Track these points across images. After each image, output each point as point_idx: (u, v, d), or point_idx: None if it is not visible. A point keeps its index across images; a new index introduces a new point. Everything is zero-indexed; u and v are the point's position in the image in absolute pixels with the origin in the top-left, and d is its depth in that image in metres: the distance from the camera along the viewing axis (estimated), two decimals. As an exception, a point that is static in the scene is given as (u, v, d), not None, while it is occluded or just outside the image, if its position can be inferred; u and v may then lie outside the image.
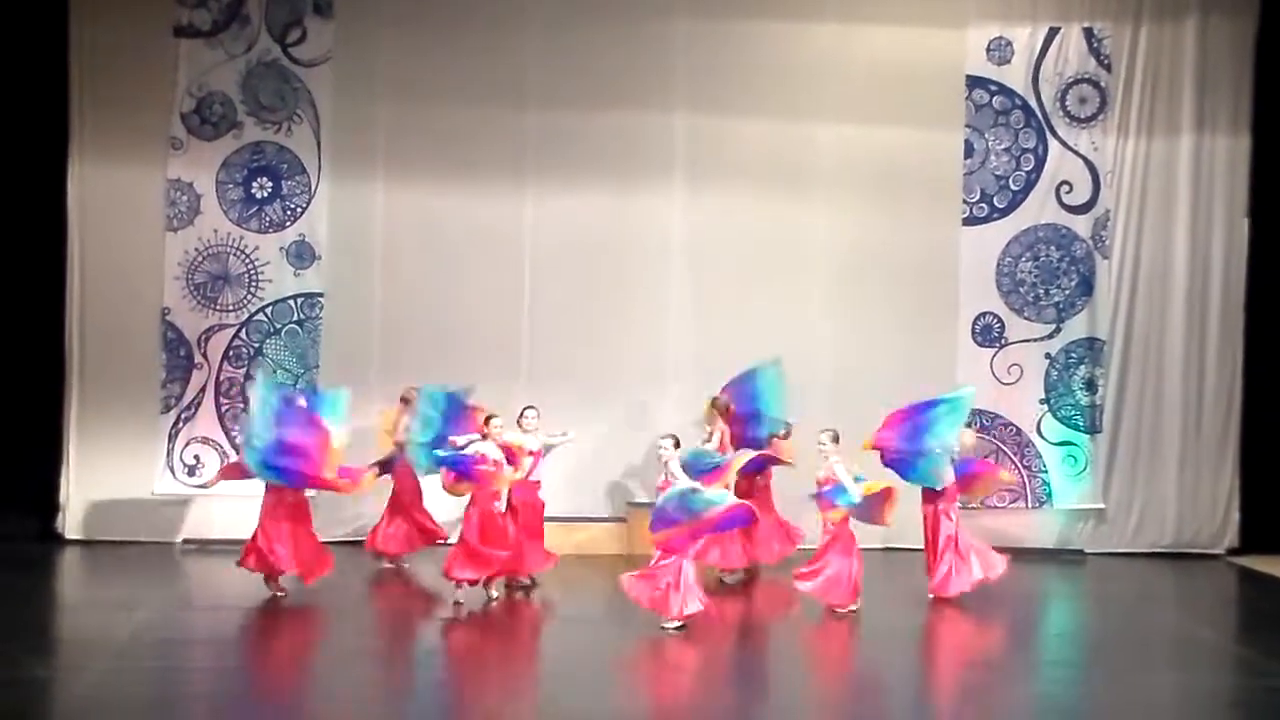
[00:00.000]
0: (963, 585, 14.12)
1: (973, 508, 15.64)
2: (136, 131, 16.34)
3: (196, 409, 16.37)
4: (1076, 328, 17.11)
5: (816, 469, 13.88)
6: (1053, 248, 17.12)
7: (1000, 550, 15.97)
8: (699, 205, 16.85)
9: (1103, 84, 17.10)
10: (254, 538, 13.90)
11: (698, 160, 16.82)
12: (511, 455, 14.10)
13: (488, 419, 14.05)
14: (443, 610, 13.84)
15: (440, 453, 13.91)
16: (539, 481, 14.62)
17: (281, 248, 16.55)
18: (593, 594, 14.97)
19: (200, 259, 16.47)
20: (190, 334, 16.43)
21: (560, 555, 15.91)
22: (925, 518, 14.37)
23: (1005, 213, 17.13)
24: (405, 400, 15.21)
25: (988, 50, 17.09)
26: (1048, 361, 17.11)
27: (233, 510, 16.10)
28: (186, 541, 16.18)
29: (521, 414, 14.53)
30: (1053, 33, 17.10)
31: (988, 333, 17.13)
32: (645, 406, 16.43)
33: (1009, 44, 17.10)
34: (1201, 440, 17.16)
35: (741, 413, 15.47)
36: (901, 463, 14.26)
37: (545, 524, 16.14)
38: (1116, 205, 17.11)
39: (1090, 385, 17.09)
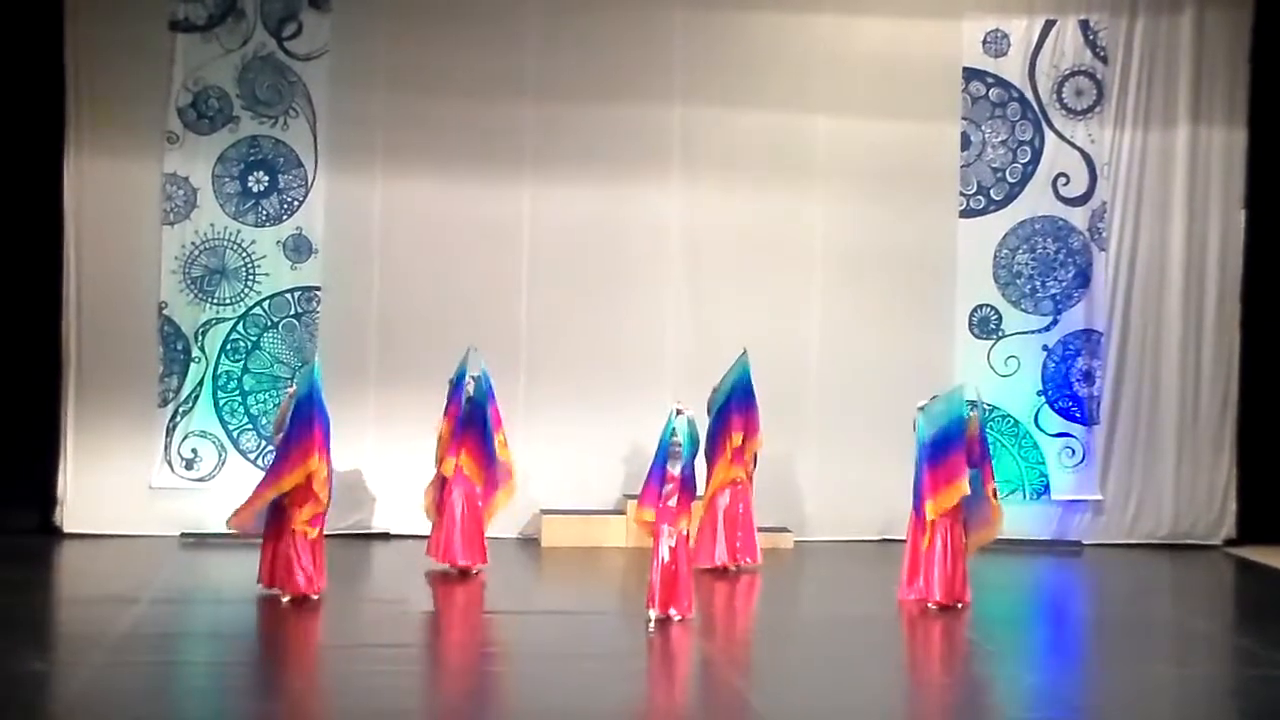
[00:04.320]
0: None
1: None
2: (132, 126, 16.31)
3: (194, 402, 16.36)
4: (1074, 319, 17.12)
5: None
6: (1049, 240, 17.13)
7: (997, 542, 15.99)
8: (697, 197, 16.85)
9: (1099, 76, 17.11)
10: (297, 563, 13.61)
11: (695, 152, 16.81)
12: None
13: None
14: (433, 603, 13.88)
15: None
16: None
17: (278, 241, 16.54)
18: (591, 586, 15.00)
19: (197, 253, 16.45)
20: (187, 328, 16.41)
21: (560, 548, 16.05)
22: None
23: (1002, 205, 17.13)
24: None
25: (984, 43, 17.09)
26: (1045, 353, 17.12)
27: (230, 504, 16.10)
28: (184, 535, 16.16)
29: None
30: (1049, 25, 17.11)
31: (985, 324, 17.14)
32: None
33: (1005, 36, 17.10)
34: (1198, 431, 17.18)
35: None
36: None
37: (543, 515, 16.31)
38: (1113, 197, 17.13)
39: (1087, 377, 17.10)
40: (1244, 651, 13.09)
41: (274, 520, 13.62)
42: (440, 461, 14.79)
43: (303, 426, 13.51)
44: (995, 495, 13.84)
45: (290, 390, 13.94)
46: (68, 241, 16.25)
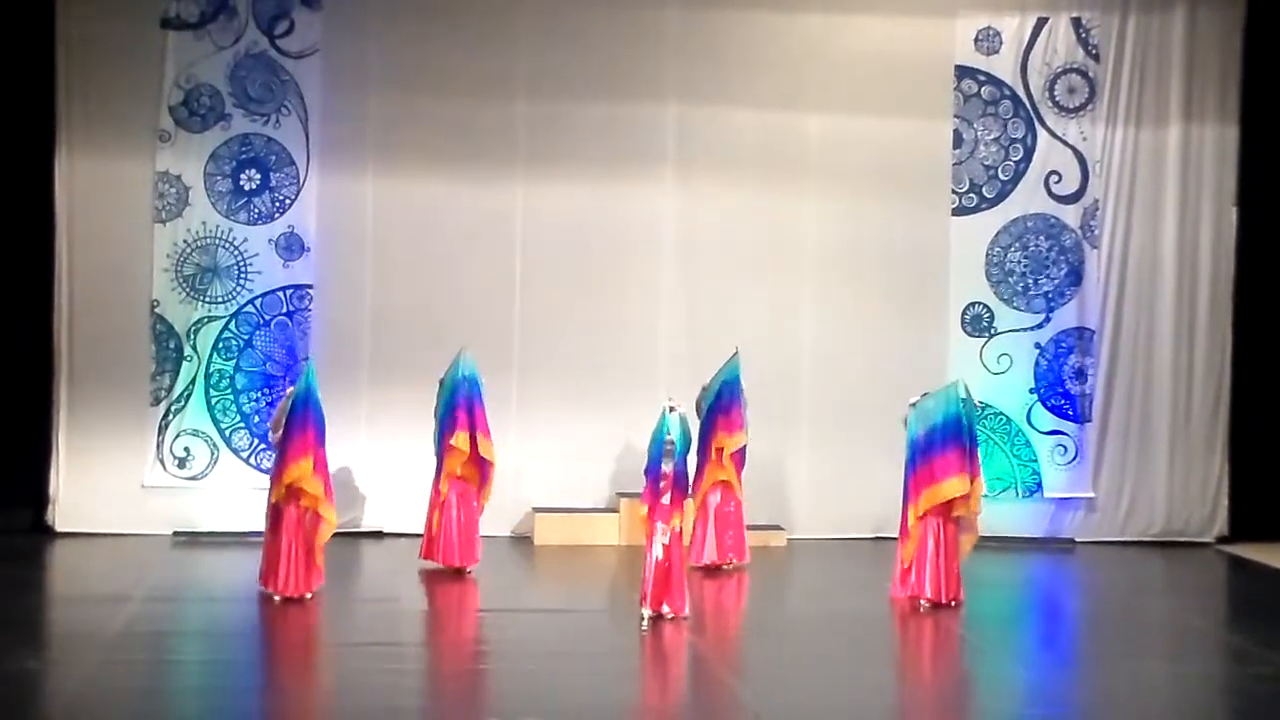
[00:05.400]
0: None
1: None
2: (124, 124, 16.29)
3: (186, 401, 16.34)
4: (1066, 317, 17.13)
5: None
6: (1042, 238, 17.15)
7: (990, 540, 16.03)
8: (690, 195, 16.84)
9: (1091, 74, 17.12)
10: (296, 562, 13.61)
11: (689, 150, 16.80)
12: None
13: None
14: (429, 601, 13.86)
15: None
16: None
17: (270, 240, 16.52)
18: (584, 584, 15.00)
19: (189, 251, 16.44)
20: (179, 326, 16.39)
21: (553, 546, 16.06)
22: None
23: (994, 203, 17.15)
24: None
25: (976, 40, 17.10)
26: (1037, 351, 17.13)
27: (223, 503, 16.14)
28: (177, 533, 16.15)
29: None
30: (1041, 23, 17.12)
31: (977, 323, 17.15)
32: None
33: (997, 34, 17.11)
34: (1191, 429, 17.20)
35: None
36: None
37: (536, 514, 16.31)
38: (1105, 195, 17.14)
39: (1080, 375, 17.12)
40: (1236, 649, 13.11)
41: (272, 520, 13.61)
42: (452, 474, 14.71)
43: (297, 426, 13.51)
44: (977, 511, 13.87)
45: (289, 390, 13.94)
46: (59, 240, 16.22)
